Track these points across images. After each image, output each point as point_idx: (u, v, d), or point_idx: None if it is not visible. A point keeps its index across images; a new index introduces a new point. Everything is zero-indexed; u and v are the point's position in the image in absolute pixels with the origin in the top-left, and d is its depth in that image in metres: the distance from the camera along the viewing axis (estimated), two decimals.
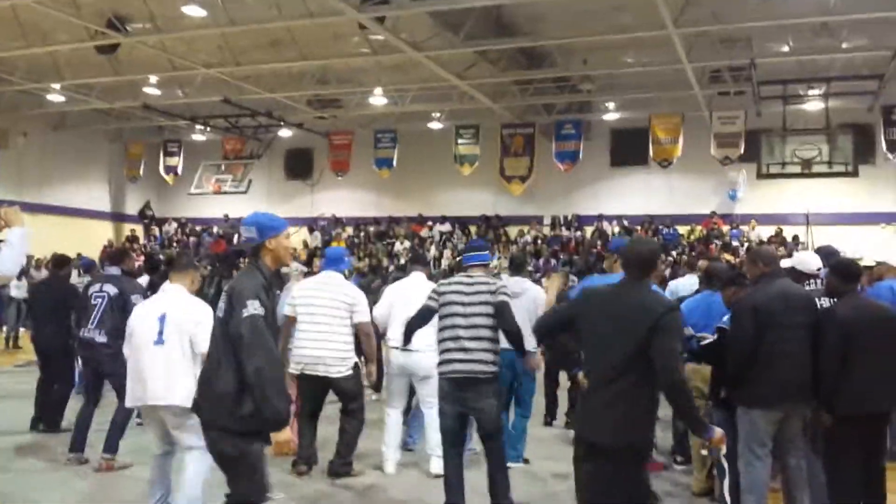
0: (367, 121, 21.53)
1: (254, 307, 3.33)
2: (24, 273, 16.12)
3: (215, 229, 24.42)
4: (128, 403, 4.76)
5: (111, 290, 6.07)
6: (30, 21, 14.18)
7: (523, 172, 20.44)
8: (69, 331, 7.02)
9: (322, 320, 5.60)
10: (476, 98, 17.95)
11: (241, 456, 3.42)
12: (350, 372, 5.66)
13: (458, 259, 13.58)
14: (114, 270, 6.42)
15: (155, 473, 4.59)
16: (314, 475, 5.83)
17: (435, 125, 21.12)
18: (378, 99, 19.01)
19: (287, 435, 3.45)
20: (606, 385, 3.30)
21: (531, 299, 5.80)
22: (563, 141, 19.74)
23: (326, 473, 5.77)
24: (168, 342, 4.38)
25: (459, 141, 20.73)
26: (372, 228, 23.59)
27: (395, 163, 21.24)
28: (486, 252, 5.17)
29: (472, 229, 22.44)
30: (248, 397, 3.31)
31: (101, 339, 5.96)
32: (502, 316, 4.57)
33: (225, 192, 23.41)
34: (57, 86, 18.22)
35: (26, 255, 3.94)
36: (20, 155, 21.17)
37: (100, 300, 6.06)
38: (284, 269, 7.14)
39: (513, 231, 22.30)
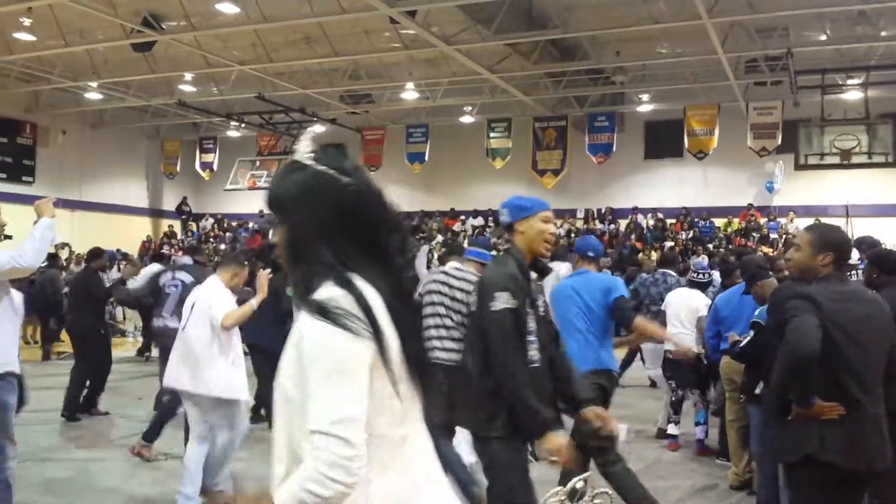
0: (399, 116, 21.59)
1: (502, 300, 2.98)
2: (64, 268, 16.50)
3: (251, 225, 24.67)
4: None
5: (186, 278, 6.22)
6: (68, 20, 14.45)
7: (556, 165, 20.32)
8: (102, 318, 7.44)
9: None
10: (508, 91, 17.90)
11: (491, 464, 3.08)
12: None
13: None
14: (186, 260, 6.63)
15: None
16: None
17: (467, 119, 21.11)
18: (409, 93, 19.05)
19: (557, 441, 2.89)
20: (876, 402, 3.01)
21: None
22: (597, 133, 19.59)
23: None
24: (190, 329, 4.56)
25: (491, 135, 20.68)
26: (405, 223, 23.64)
27: (427, 157, 21.26)
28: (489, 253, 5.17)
29: None
30: (492, 399, 2.99)
31: (175, 325, 6.11)
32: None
33: (260, 188, 23.61)
34: (94, 84, 18.54)
35: (48, 249, 3.99)
36: (60, 152, 21.59)
37: (174, 289, 6.25)
38: None
39: None
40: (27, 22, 14.02)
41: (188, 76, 18.02)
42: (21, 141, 21.09)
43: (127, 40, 15.01)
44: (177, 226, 25.71)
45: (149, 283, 6.89)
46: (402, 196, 23.74)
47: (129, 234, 22.58)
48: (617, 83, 18.15)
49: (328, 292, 1.51)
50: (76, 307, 7.85)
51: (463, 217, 23.02)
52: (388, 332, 1.53)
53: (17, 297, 4.10)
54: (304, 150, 1.64)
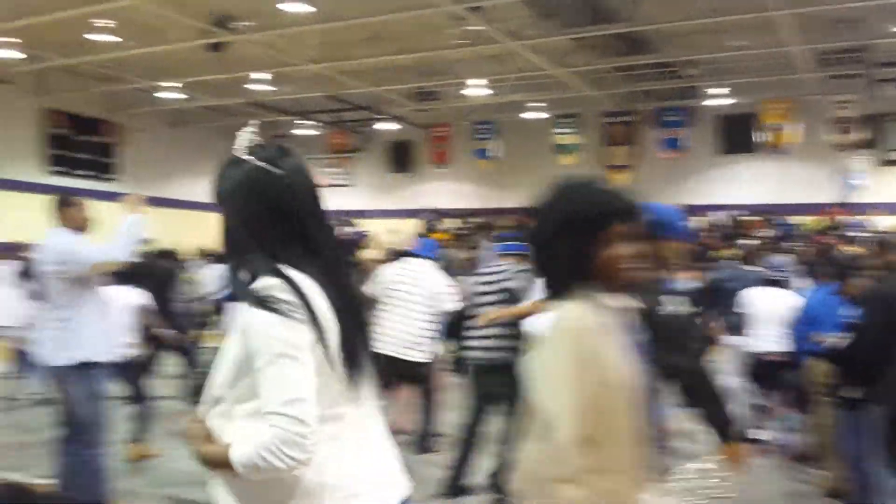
0: (467, 112, 21.60)
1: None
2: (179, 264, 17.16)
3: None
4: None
5: None
6: (144, 21, 14.99)
7: (626, 161, 20.03)
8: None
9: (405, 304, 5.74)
10: (575, 86, 17.70)
11: None
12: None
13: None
14: None
15: None
16: None
17: (533, 115, 20.97)
18: (475, 90, 19.03)
19: (742, 450, 2.78)
20: None
21: None
22: (667, 128, 19.21)
23: None
24: None
25: (559, 131, 20.51)
26: (475, 220, 23.69)
27: (494, 154, 21.23)
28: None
29: None
30: None
31: None
32: None
33: (332, 185, 24.08)
34: (171, 84, 19.19)
35: (135, 244, 4.19)
36: (140, 151, 22.43)
37: None
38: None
39: None
40: (106, 24, 14.62)
41: (260, 76, 18.44)
42: (105, 139, 22.03)
43: (200, 40, 15.50)
44: None
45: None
46: (470, 193, 23.80)
47: (205, 230, 23.26)
48: (687, 77, 17.73)
49: (264, 282, 1.61)
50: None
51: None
52: (325, 317, 1.64)
53: (120, 291, 4.31)
54: (241, 144, 1.76)
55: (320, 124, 23.42)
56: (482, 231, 22.97)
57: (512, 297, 4.85)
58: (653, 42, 15.78)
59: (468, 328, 5.13)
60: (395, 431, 6.09)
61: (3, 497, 1.10)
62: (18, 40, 16.26)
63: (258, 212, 1.69)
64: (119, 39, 15.67)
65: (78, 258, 4.14)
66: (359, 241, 19.38)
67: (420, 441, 5.99)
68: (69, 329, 4.22)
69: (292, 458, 1.52)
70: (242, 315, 1.63)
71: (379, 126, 23.01)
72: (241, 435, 1.60)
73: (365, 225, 24.21)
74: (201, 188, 25.10)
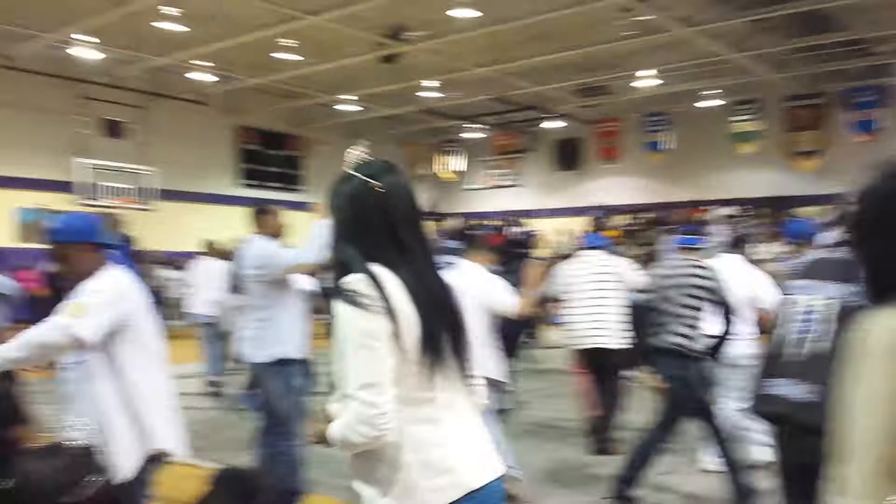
0: (636, 105, 21.07)
1: None
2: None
3: (492, 223, 25.44)
4: None
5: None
6: (324, 39, 15.87)
7: (813, 147, 18.74)
8: None
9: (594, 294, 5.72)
10: (753, 71, 16.78)
11: None
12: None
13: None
14: (452, 243, 7.03)
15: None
16: None
17: (709, 103, 20.09)
18: (646, 81, 18.52)
19: None
20: None
21: None
22: (859, 110, 17.76)
23: None
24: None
25: (737, 118, 19.53)
26: (646, 216, 23.05)
27: (666, 146, 20.56)
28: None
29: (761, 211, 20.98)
30: None
31: None
32: None
33: (500, 186, 24.33)
34: (350, 96, 20.17)
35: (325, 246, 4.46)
36: (323, 162, 23.71)
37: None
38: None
39: (807, 212, 20.47)
40: (289, 43, 15.62)
41: (430, 83, 18.96)
42: (291, 153, 23.54)
43: (375, 53, 16.19)
44: (429, 226, 27.14)
45: None
46: (641, 188, 23.18)
47: None
48: (879, 54, 16.28)
49: (352, 278, 1.85)
50: None
51: (708, 207, 21.91)
52: (404, 309, 1.84)
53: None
54: (351, 162, 2.04)
55: (486, 127, 23.73)
56: (653, 227, 22.32)
57: (711, 294, 4.68)
58: (838, 19, 14.65)
59: (655, 323, 4.97)
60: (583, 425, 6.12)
61: (227, 481, 1.22)
62: (212, 64, 17.77)
63: (359, 219, 1.94)
64: (300, 58, 16.71)
65: (275, 262, 4.42)
66: (527, 241, 19.43)
67: (598, 439, 5.88)
68: (267, 328, 4.52)
69: (365, 435, 1.77)
70: (335, 308, 1.85)
71: (545, 125, 22.96)
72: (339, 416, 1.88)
73: (533, 224, 24.26)
74: None
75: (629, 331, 5.75)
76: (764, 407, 2.90)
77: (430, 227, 26.24)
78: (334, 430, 1.85)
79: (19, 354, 2.65)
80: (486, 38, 15.63)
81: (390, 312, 1.81)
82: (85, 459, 1.38)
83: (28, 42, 15.37)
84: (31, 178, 17.39)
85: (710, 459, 5.27)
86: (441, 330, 1.92)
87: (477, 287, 4.56)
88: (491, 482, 1.94)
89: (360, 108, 21.64)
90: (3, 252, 11.37)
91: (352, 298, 1.82)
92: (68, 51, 16.07)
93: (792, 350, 2.83)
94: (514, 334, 6.52)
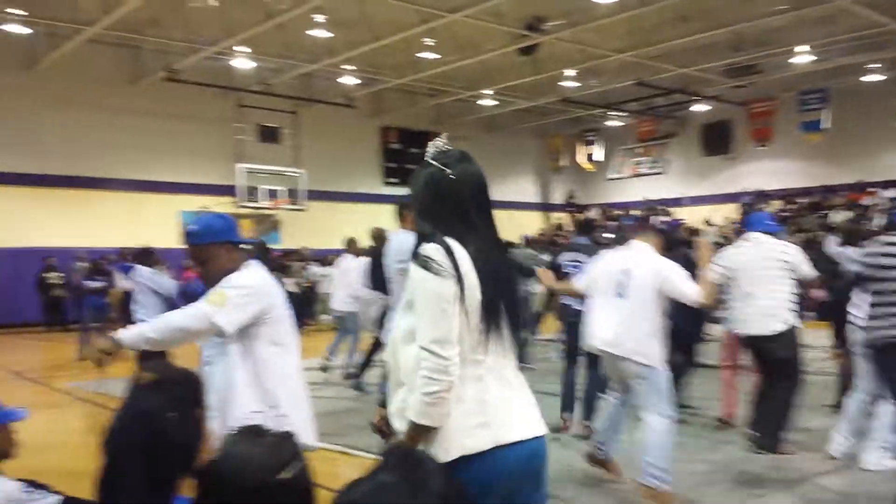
0: (790, 83, 19.90)
1: None
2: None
3: (634, 212, 24.85)
4: (585, 346, 4.86)
5: (584, 258, 6.47)
6: (464, 35, 16.05)
7: None
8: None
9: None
10: None
11: None
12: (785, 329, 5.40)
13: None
14: (582, 240, 6.96)
15: (605, 419, 4.85)
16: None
17: (872, 78, 18.68)
18: (802, 57, 17.46)
19: None
20: None
21: None
22: None
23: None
24: (630, 296, 4.42)
25: None
26: (803, 200, 21.76)
27: (825, 125, 19.31)
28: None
29: None
30: None
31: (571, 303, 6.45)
32: None
33: (642, 175, 23.72)
34: (488, 91, 20.29)
35: None
36: None
37: (572, 268, 6.54)
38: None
39: None
40: (430, 42, 15.90)
41: (570, 72, 18.74)
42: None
43: (513, 46, 16.20)
44: (565, 218, 26.91)
45: (548, 264, 7.18)
46: (797, 171, 21.90)
47: (522, 229, 24.24)
48: None
49: (426, 248, 2.11)
50: None
51: (873, 189, 20.40)
52: (470, 277, 2.07)
53: None
54: (430, 151, 2.26)
55: (626, 114, 23.18)
56: (812, 212, 21.02)
57: None
58: None
59: (871, 306, 4.56)
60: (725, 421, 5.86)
61: (398, 458, 1.23)
62: (356, 67, 18.40)
63: (434, 201, 2.21)
64: (440, 56, 16.98)
65: None
66: (673, 230, 18.81)
67: (763, 436, 5.55)
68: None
69: (439, 381, 2.01)
70: (411, 271, 2.12)
71: (692, 108, 22.14)
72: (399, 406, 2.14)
73: (679, 213, 23.45)
74: (518, 188, 26.27)
75: (798, 318, 5.43)
76: None
77: (566, 219, 26.03)
78: (412, 409, 2.04)
79: (156, 336, 2.81)
80: (628, 23, 15.28)
81: (458, 278, 2.06)
82: (287, 443, 1.43)
83: (190, 56, 16.48)
84: (195, 184, 18.66)
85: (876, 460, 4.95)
86: (500, 300, 2.16)
87: (651, 269, 4.42)
88: (526, 440, 2.14)
89: (498, 102, 21.73)
90: (171, 252, 12.23)
91: (426, 263, 2.07)
92: (228, 62, 17.17)
93: None
94: (690, 329, 6.28)
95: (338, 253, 11.05)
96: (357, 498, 1.05)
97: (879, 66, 18.21)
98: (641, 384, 4.41)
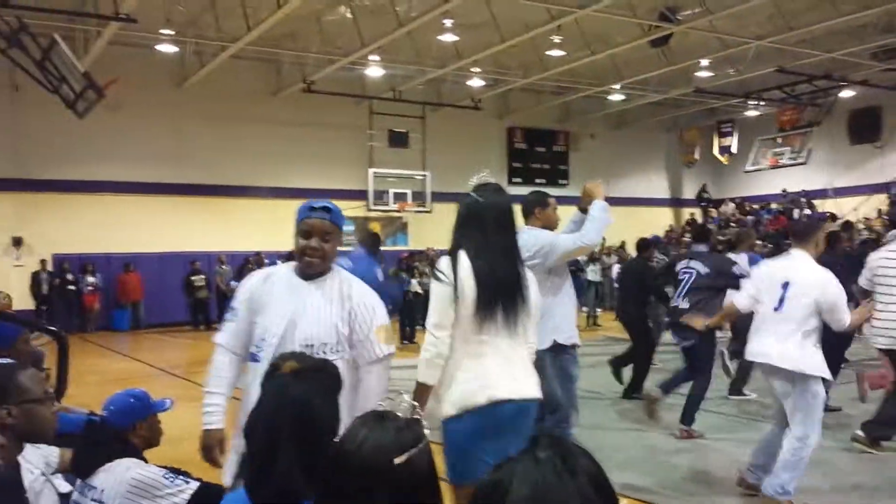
0: None
1: None
2: (596, 259, 18.06)
3: (773, 205, 23.66)
4: (746, 356, 4.77)
5: (700, 267, 6.40)
6: (591, 30, 15.77)
7: None
8: (646, 306, 7.80)
9: None
10: None
11: None
12: None
13: None
14: (701, 248, 6.81)
15: (760, 442, 4.69)
16: None
17: None
18: None
19: None
20: None
21: None
22: None
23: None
24: (787, 308, 4.31)
25: None
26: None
27: None
28: None
29: None
30: None
31: (685, 305, 6.34)
32: None
33: (782, 166, 22.54)
34: (617, 86, 19.86)
35: (605, 228, 4.33)
36: (589, 155, 23.62)
37: (686, 275, 6.46)
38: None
39: None
40: (557, 39, 15.72)
41: (704, 62, 18.07)
42: (556, 148, 23.73)
43: (644, 38, 15.76)
44: (697, 213, 25.98)
45: (666, 269, 7.07)
46: None
47: (652, 226, 23.59)
48: None
49: (440, 260, 2.96)
50: (626, 297, 8.46)
51: None
52: (467, 282, 2.87)
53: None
54: (472, 182, 3.07)
55: (763, 103, 22.09)
56: None
57: None
58: None
59: None
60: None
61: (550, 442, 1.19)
62: (480, 70, 18.46)
63: (465, 222, 3.00)
64: (567, 53, 16.75)
65: (555, 248, 4.33)
66: (815, 224, 17.75)
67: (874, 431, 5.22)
68: (545, 316, 4.43)
69: (428, 351, 2.89)
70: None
71: (838, 95, 20.84)
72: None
73: (824, 206, 22.11)
74: (647, 184, 25.58)
75: None
76: None
77: (698, 214, 25.03)
78: (418, 371, 2.90)
79: None
80: (768, 7, 14.55)
81: (455, 283, 2.85)
82: (410, 429, 1.43)
83: (326, 67, 17.04)
84: (330, 189, 19.25)
85: None
86: (495, 299, 2.88)
87: (803, 283, 4.30)
88: (515, 399, 2.83)
89: (627, 97, 21.24)
90: None
91: (434, 272, 2.91)
92: (361, 71, 17.63)
93: None
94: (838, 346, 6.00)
95: None
96: (516, 471, 1.03)
97: None
98: (792, 397, 4.28)
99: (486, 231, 2.91)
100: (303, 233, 2.71)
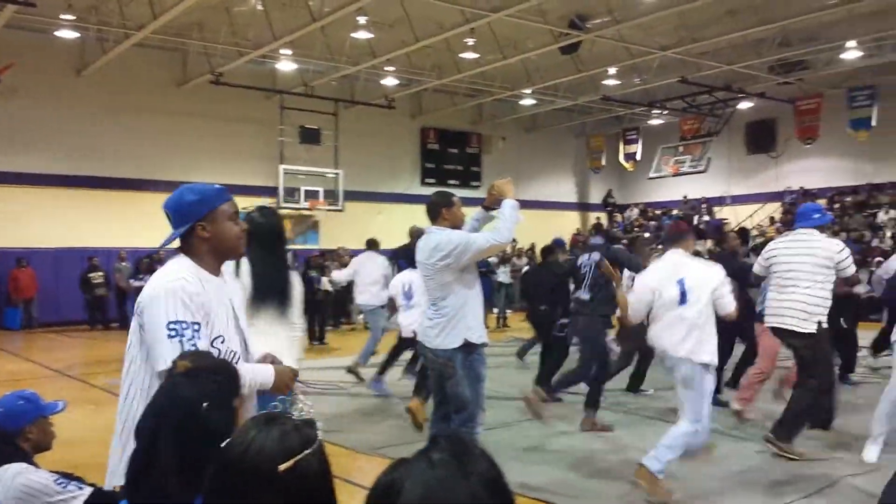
0: (839, 80, 19.52)
1: None
2: (506, 261, 18.30)
3: (675, 212, 24.55)
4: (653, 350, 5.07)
5: (598, 257, 6.65)
6: (504, 34, 15.98)
7: None
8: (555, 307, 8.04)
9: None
10: None
11: None
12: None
13: None
14: (598, 239, 7.06)
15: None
16: None
17: None
18: (851, 53, 17.11)
19: None
20: None
21: None
22: None
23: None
24: (689, 301, 4.61)
25: None
26: (849, 199, 21.32)
27: (873, 122, 18.91)
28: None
29: None
30: None
31: (585, 296, 6.62)
32: None
33: (684, 173, 23.38)
34: (528, 90, 20.18)
35: (516, 226, 4.40)
36: (500, 157, 23.93)
37: (587, 268, 6.72)
38: None
39: None
40: (470, 42, 15.85)
41: (612, 70, 18.57)
42: (469, 150, 23.92)
43: (555, 45, 16.08)
44: (603, 217, 26.69)
45: (572, 269, 7.33)
46: (843, 169, 21.47)
47: (559, 229, 24.07)
48: None
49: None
50: (534, 298, 8.62)
51: None
52: (244, 280, 3.77)
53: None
54: (251, 208, 3.84)
55: (666, 112, 22.90)
56: (859, 211, 20.59)
57: None
58: None
59: None
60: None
61: (447, 440, 1.19)
62: (394, 69, 18.42)
63: (252, 235, 3.27)
64: (480, 55, 16.92)
65: (469, 247, 4.36)
66: (716, 228, 18.54)
67: (777, 433, 5.54)
68: (455, 314, 4.47)
69: None
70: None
71: (736, 106, 21.82)
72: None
73: (722, 213, 23.11)
74: (556, 188, 26.10)
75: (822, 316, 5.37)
76: None
77: (604, 219, 25.69)
78: None
79: None
80: (674, 19, 15.08)
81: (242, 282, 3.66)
82: (299, 432, 1.41)
83: (235, 59, 16.62)
84: (238, 185, 18.77)
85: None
86: (269, 293, 3.78)
87: (697, 276, 4.67)
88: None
89: (538, 101, 21.62)
90: None
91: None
92: (272, 65, 17.28)
93: None
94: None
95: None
96: (409, 473, 1.03)
97: None
98: (690, 386, 4.57)
99: (261, 244, 3.73)
100: (232, 216, 2.47)
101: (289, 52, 16.91)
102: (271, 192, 18.98)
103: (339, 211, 20.03)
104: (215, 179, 18.77)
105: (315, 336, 12.96)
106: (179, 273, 2.32)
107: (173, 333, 2.19)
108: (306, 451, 1.37)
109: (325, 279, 14.27)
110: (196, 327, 2.24)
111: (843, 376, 7.86)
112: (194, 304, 2.26)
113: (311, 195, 19.87)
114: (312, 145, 20.13)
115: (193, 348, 2.18)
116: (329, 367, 9.64)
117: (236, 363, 2.21)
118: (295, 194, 19.59)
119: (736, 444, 5.84)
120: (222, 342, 2.31)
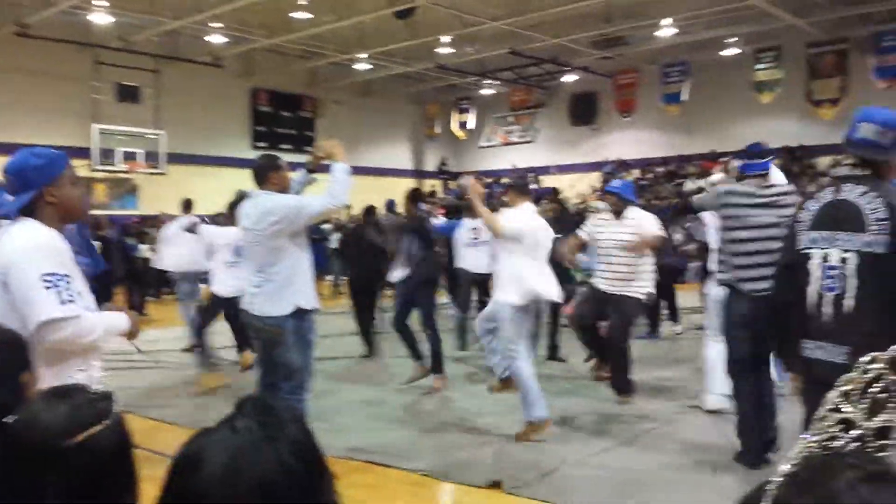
0: (655, 56, 20.75)
1: None
2: (340, 227, 18.09)
3: (504, 180, 25.25)
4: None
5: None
6: None
7: (834, 94, 18.50)
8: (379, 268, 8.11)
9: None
10: (777, 16, 16.45)
11: None
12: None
13: None
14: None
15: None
16: None
17: (730, 52, 19.72)
18: (666, 30, 18.20)
19: None
20: None
21: None
22: (885, 55, 17.46)
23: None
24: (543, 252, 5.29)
25: (758, 66, 19.26)
26: (660, 169, 22.85)
27: (684, 97, 20.30)
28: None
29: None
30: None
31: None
32: None
33: (513, 143, 24.12)
34: (364, 55, 19.90)
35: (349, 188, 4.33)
36: (335, 122, 23.48)
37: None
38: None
39: (823, 162, 20.25)
40: (303, 1, 15.35)
41: (446, 39, 18.66)
42: (303, 114, 23.34)
43: (389, 8, 15.91)
44: (438, 185, 27.02)
45: (396, 228, 7.49)
46: (657, 141, 22.95)
47: (395, 195, 24.10)
48: None
49: None
50: (353, 260, 8.64)
51: (725, 159, 21.67)
52: None
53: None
54: None
55: (499, 83, 23.44)
56: (668, 181, 22.12)
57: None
58: None
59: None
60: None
61: (254, 406, 1.15)
62: (224, 25, 17.53)
63: None
64: (314, 16, 16.44)
65: (303, 211, 4.28)
66: (545, 195, 19.27)
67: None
68: (285, 280, 4.36)
69: None
70: None
71: (562, 79, 22.67)
72: None
73: (547, 181, 24.04)
74: (392, 154, 26.08)
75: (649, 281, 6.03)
76: (803, 369, 2.96)
77: (438, 186, 26.09)
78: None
79: None
80: None
81: None
82: (97, 404, 1.31)
83: (44, 10, 15.14)
84: (45, 145, 17.20)
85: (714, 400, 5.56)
86: None
87: (545, 229, 5.27)
88: None
89: (373, 66, 21.39)
90: None
91: None
92: (85, 17, 15.87)
93: (821, 309, 2.86)
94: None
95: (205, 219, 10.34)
96: (212, 442, 1.00)
97: (736, 39, 19.22)
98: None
99: None
100: (74, 179, 2.56)
101: (105, 3, 15.62)
102: (85, 153, 17.59)
103: (162, 174, 18.94)
104: (21, 139, 17.19)
105: (133, 306, 12.17)
106: (41, 230, 2.40)
107: (49, 284, 2.31)
108: (101, 425, 1.26)
109: (143, 247, 13.46)
110: (68, 279, 2.36)
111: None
112: (62, 258, 2.40)
113: (129, 157, 18.64)
114: (132, 104, 18.83)
115: (70, 299, 2.31)
116: (149, 339, 9.06)
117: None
118: (111, 156, 18.30)
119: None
120: (82, 298, 2.42)
